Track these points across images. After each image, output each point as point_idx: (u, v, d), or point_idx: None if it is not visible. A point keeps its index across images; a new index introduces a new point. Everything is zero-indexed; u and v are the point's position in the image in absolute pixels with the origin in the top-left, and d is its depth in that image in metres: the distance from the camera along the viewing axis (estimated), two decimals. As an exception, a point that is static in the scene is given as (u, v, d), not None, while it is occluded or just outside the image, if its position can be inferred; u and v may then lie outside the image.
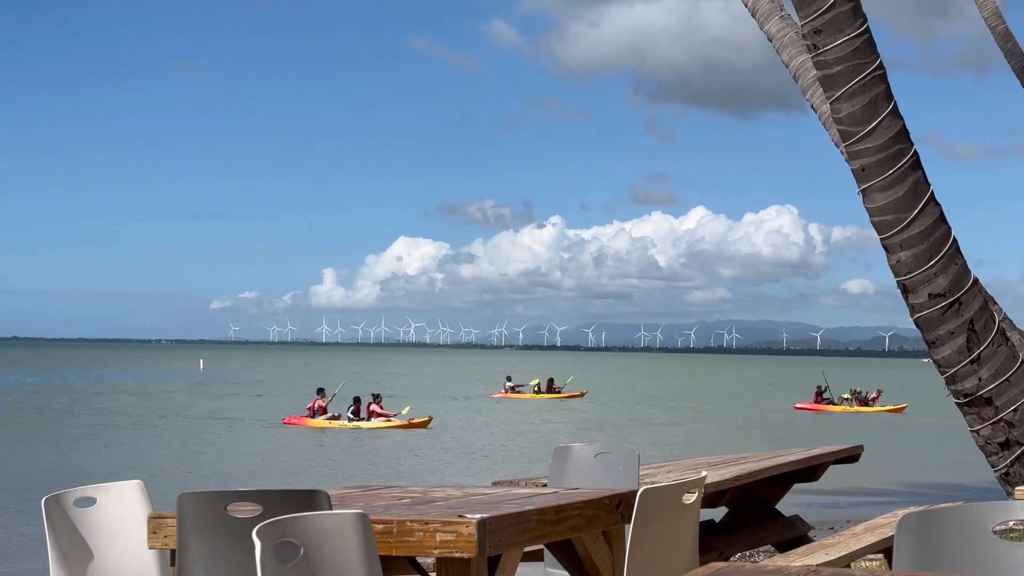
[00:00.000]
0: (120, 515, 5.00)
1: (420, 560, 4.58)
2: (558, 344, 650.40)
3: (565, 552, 5.26)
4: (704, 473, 5.25)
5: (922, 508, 3.14)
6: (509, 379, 63.47)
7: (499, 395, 60.81)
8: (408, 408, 40.49)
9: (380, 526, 4.30)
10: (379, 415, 38.63)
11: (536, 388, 60.66)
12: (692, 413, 50.04)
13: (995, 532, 3.00)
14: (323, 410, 38.96)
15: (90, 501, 4.97)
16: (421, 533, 4.31)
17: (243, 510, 4.21)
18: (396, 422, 38.34)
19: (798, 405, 52.91)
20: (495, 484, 7.19)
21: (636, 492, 4.89)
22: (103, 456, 28.19)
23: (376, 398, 39.38)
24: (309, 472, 25.12)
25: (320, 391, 40.22)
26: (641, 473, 7.03)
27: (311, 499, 4.16)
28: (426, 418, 39.07)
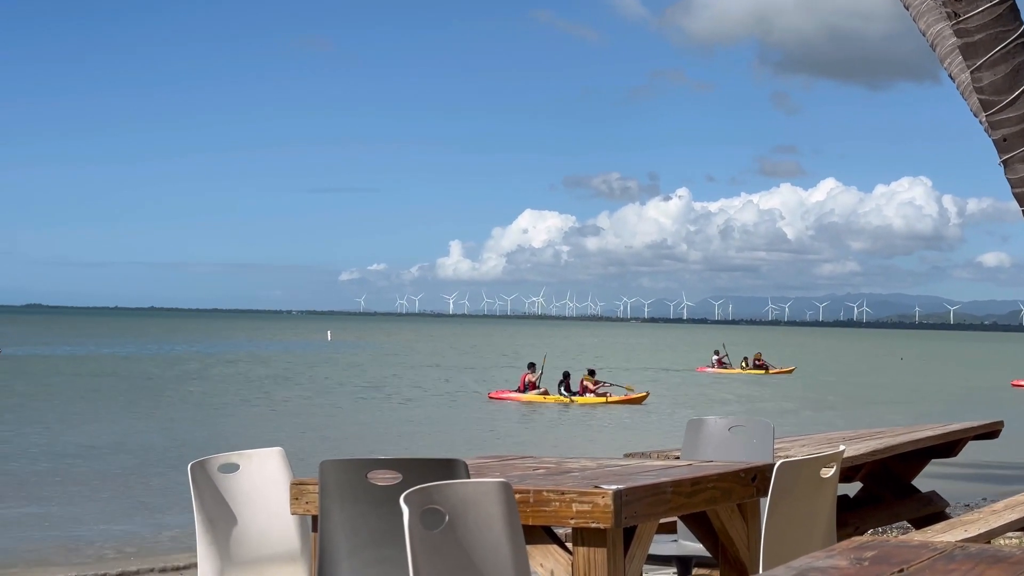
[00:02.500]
0: (261, 481, 5.11)
1: (555, 530, 4.60)
2: (684, 317, 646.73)
3: (699, 524, 5.25)
4: (842, 447, 5.20)
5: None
6: (717, 352, 63.13)
7: (707, 369, 60.69)
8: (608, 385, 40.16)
9: (516, 495, 4.33)
10: (593, 390, 38.34)
11: (744, 363, 60.38)
12: (906, 391, 48.78)
13: None
14: (533, 385, 38.74)
15: (233, 467, 5.08)
16: (557, 503, 4.34)
17: (383, 478, 4.28)
18: (612, 397, 37.91)
19: (1015, 382, 51.72)
20: (627, 456, 7.19)
21: (772, 465, 4.85)
22: (242, 424, 28.89)
23: (590, 373, 39.17)
24: (458, 442, 25.39)
25: (531, 366, 39.94)
26: (775, 447, 6.98)
27: (450, 468, 4.21)
28: (643, 393, 38.69)
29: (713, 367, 60.49)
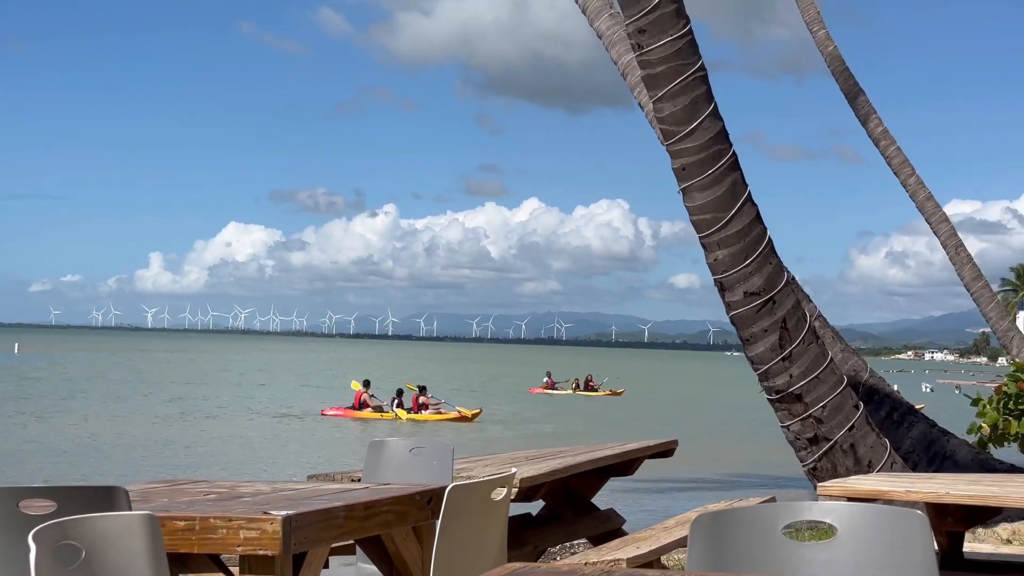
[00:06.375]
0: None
1: (224, 558, 4.48)
2: (390, 333, 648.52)
3: (375, 548, 5.22)
4: (514, 470, 5.27)
5: (716, 508, 3.19)
6: (548, 375, 63.64)
7: (538, 390, 60.95)
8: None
9: (182, 523, 4.20)
10: (428, 407, 38.09)
11: (575, 385, 60.87)
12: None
13: (784, 532, 3.06)
14: (367, 403, 38.27)
15: None
16: (224, 530, 4.22)
17: (37, 507, 4.06)
18: (445, 414, 37.78)
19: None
20: (311, 477, 7.11)
21: (446, 488, 4.86)
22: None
23: (422, 390, 38.84)
24: (159, 463, 24.48)
25: (366, 383, 39.40)
26: (458, 467, 7.03)
27: (108, 496, 4.03)
28: (476, 410, 38.62)
29: (545, 388, 61.17)
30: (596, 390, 60.95)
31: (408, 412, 38.01)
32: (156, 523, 3.32)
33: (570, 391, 60.55)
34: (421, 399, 38.68)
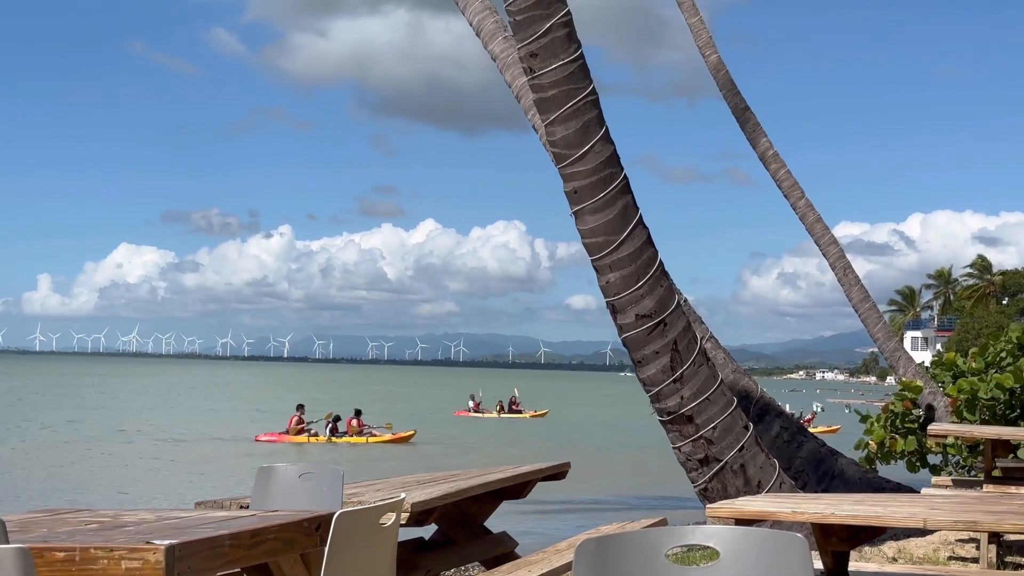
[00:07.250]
0: None
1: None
2: (285, 355, 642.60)
3: (262, 575, 5.15)
4: (403, 495, 5.24)
5: (602, 532, 3.20)
6: (473, 397, 63.46)
7: (464, 413, 60.62)
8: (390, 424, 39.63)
9: (61, 554, 4.10)
10: (359, 430, 38.11)
11: (499, 408, 60.61)
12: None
13: (667, 556, 3.08)
14: (302, 427, 37.94)
15: None
16: (106, 561, 4.13)
17: (-92, 540, 3.94)
18: (379, 437, 37.89)
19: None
20: (198, 505, 7.00)
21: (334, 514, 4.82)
22: None
23: (357, 414, 38.84)
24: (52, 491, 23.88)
25: (300, 407, 38.99)
26: (349, 491, 6.97)
27: (-17, 527, 3.93)
28: (410, 432, 38.68)
29: (471, 411, 60.84)
30: (521, 412, 61.08)
31: (343, 436, 38.09)
32: (29, 557, 3.24)
33: (495, 414, 60.57)
34: (353, 422, 38.74)
